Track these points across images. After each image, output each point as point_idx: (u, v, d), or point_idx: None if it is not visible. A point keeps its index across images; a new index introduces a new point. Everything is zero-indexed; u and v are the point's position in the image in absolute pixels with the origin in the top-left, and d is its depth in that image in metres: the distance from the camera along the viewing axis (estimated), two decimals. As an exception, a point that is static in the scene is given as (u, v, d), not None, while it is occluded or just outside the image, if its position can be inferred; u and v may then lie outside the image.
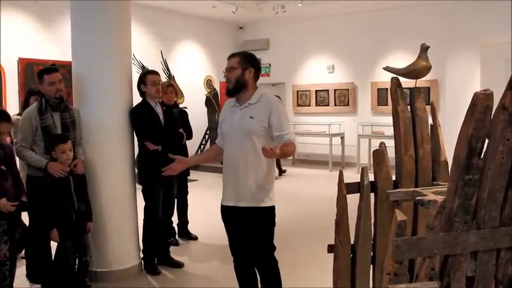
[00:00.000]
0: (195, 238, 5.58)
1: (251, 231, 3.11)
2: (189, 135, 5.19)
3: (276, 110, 3.03)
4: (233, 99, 3.16)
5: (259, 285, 3.27)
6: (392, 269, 1.67)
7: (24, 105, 4.66)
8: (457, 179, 1.61)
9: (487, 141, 1.61)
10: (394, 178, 2.67)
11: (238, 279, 3.32)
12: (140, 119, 4.36)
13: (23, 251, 4.36)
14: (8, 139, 3.82)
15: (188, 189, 5.63)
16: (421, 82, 2.85)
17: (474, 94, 1.56)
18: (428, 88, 9.91)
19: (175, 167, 3.31)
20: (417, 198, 2.01)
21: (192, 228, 5.65)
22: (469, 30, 9.16)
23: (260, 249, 3.13)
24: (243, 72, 3.07)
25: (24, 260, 4.33)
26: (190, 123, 5.45)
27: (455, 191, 1.62)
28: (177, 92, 5.86)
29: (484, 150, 1.62)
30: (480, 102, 1.54)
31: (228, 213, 3.17)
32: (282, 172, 10.07)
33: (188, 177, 5.64)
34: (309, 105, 11.96)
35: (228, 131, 3.16)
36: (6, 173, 3.46)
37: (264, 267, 3.16)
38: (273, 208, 3.12)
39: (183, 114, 5.42)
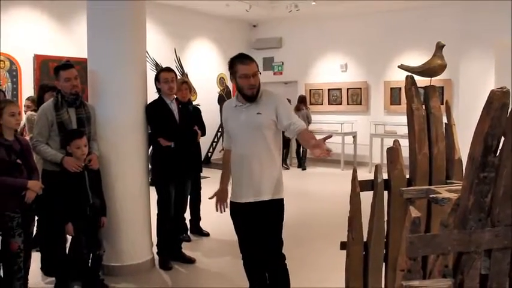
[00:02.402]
0: (207, 234, 5.62)
1: (268, 224, 3.13)
2: (203, 133, 5.22)
3: (281, 102, 3.16)
4: (234, 100, 3.21)
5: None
6: (405, 266, 1.67)
7: (38, 101, 4.71)
8: (472, 176, 1.61)
9: (503, 139, 1.60)
10: (407, 176, 2.67)
11: (248, 275, 3.33)
12: (154, 114, 4.41)
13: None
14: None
15: (201, 186, 5.66)
16: (434, 81, 2.83)
17: (491, 91, 1.55)
18: (442, 87, 9.82)
19: (220, 196, 3.35)
20: (431, 196, 2.01)
21: (204, 224, 5.68)
22: (483, 30, 9.05)
23: (273, 243, 3.15)
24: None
25: (39, 253, 4.39)
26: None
27: (470, 188, 1.62)
28: (191, 90, 5.88)
29: (500, 148, 1.61)
30: (497, 99, 1.54)
31: (244, 210, 3.16)
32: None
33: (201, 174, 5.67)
34: (322, 104, 11.94)
35: (235, 129, 3.18)
36: (21, 167, 3.51)
37: (274, 263, 3.17)
38: (283, 199, 3.20)
39: (197, 111, 5.44)
